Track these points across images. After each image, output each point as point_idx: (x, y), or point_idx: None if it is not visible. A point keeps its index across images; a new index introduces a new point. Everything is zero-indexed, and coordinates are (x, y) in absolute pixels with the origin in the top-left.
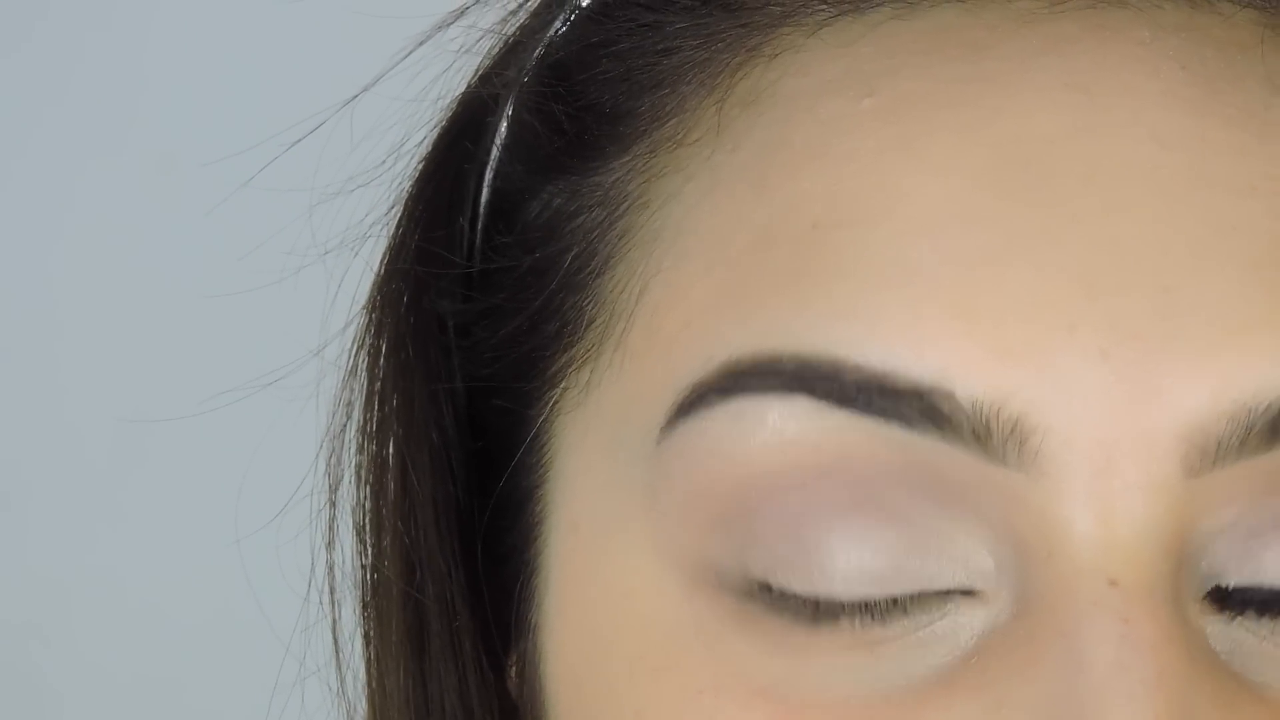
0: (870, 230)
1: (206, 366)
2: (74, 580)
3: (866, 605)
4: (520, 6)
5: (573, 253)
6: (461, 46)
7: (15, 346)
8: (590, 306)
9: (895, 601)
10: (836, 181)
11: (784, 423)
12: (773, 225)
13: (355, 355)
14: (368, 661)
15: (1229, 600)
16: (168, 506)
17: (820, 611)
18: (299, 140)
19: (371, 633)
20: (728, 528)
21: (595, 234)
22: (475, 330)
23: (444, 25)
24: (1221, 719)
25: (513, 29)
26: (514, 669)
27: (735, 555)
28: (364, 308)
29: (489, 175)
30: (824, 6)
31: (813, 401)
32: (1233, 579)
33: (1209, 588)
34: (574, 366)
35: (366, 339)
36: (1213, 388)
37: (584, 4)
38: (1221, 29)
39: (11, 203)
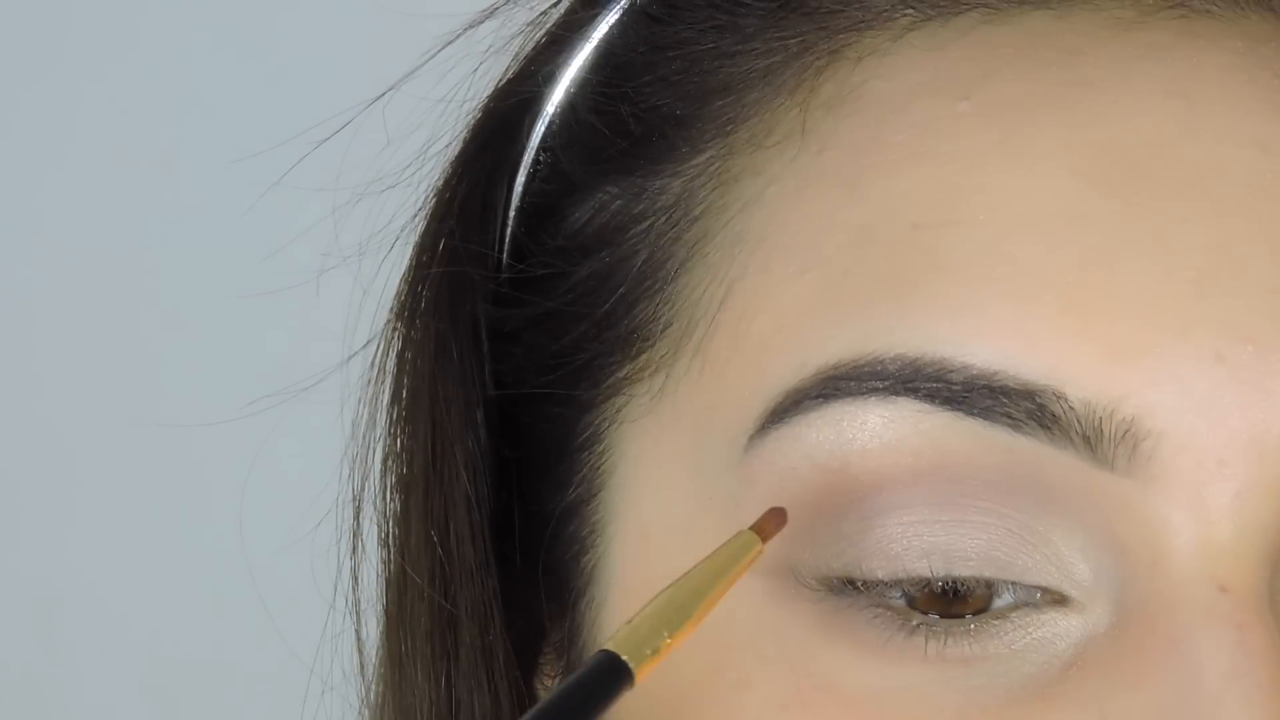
0: (974, 230)
1: (233, 371)
2: (87, 588)
3: (952, 603)
4: (552, 7)
5: (641, 257)
6: (491, 47)
7: (37, 349)
8: (667, 311)
9: (988, 612)
10: (936, 182)
11: (885, 427)
12: (870, 226)
13: (383, 360)
14: (393, 674)
15: None
16: (193, 512)
17: (911, 617)
18: (327, 139)
19: (398, 644)
20: (814, 532)
21: (666, 238)
22: (527, 336)
23: (474, 24)
24: None
25: (545, 30)
26: (555, 680)
27: (816, 555)
28: (394, 310)
29: (525, 175)
30: (910, 11)
31: (916, 403)
32: None
33: None
34: (645, 374)
35: (397, 342)
36: None
37: (626, 3)
38: None
39: (32, 201)
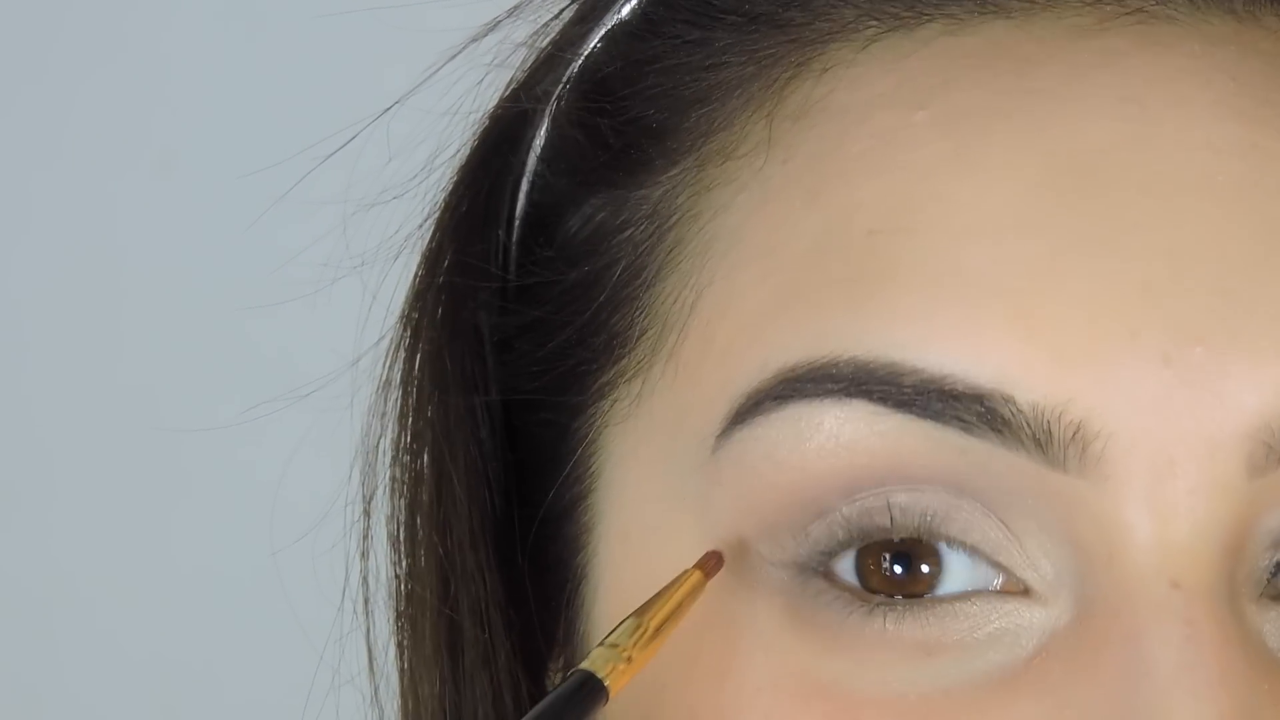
0: (927, 237)
1: (244, 377)
2: (104, 588)
3: (905, 583)
4: (553, 20)
5: (621, 265)
6: (494, 59)
7: (55, 357)
8: (642, 318)
9: (946, 595)
10: (892, 191)
11: (840, 427)
12: (828, 233)
13: (391, 367)
14: (401, 670)
15: None
16: (205, 516)
17: (869, 599)
18: (334, 153)
19: (405, 642)
20: (781, 532)
21: (644, 246)
22: (518, 344)
23: (477, 38)
24: None
25: (545, 42)
26: (558, 676)
27: (789, 555)
28: (400, 319)
29: (525, 188)
30: (874, 23)
31: (869, 405)
32: None
33: (1266, 583)
34: (624, 379)
35: (403, 350)
36: (1275, 386)
37: (621, 17)
38: (1269, 42)
39: (53, 213)
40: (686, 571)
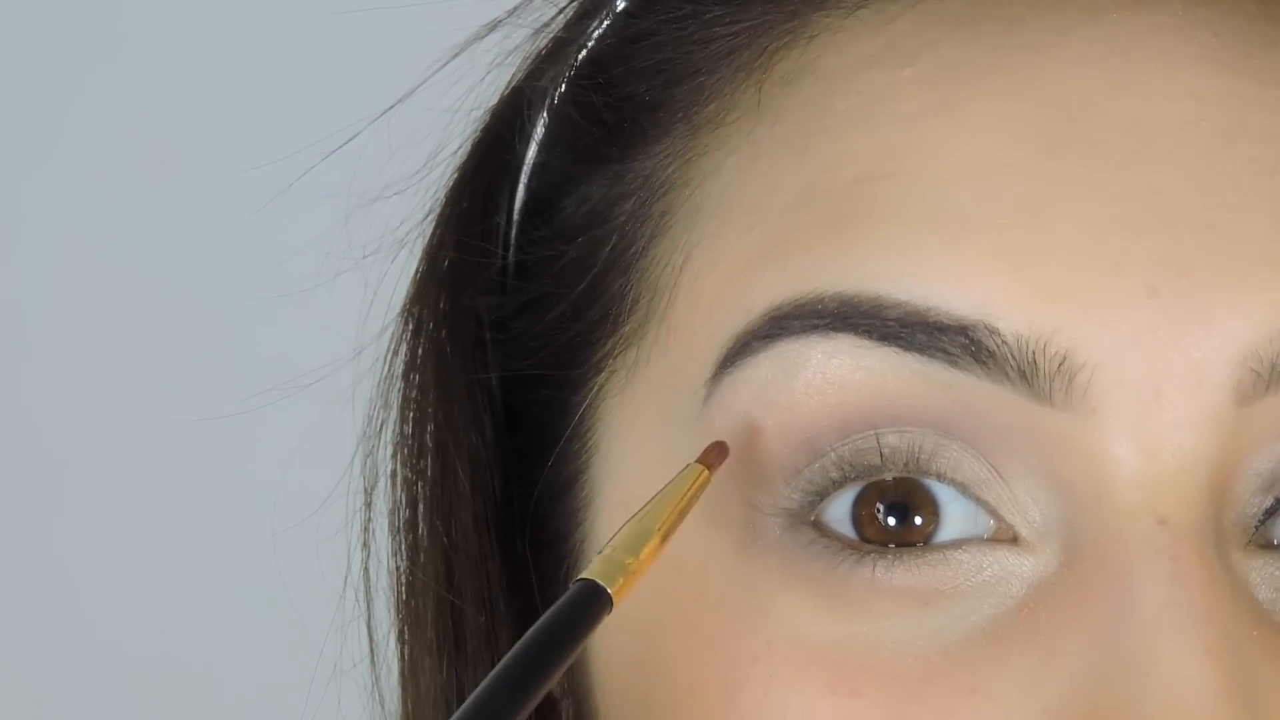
0: (912, 181)
1: (247, 369)
2: (105, 580)
3: (902, 532)
4: (552, 20)
5: (615, 237)
6: (494, 58)
7: (60, 347)
8: (634, 288)
9: (937, 544)
10: (877, 141)
11: (826, 362)
12: (814, 183)
13: (392, 358)
14: (402, 659)
15: (1274, 541)
16: (207, 508)
17: (861, 548)
18: (336, 149)
19: (407, 631)
20: (774, 477)
21: (635, 218)
22: (516, 323)
23: (478, 38)
24: (1266, 664)
25: (545, 41)
26: None
27: (782, 501)
28: (402, 312)
29: (524, 176)
30: None
31: (854, 339)
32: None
33: (1254, 530)
34: (620, 349)
35: (405, 343)
36: (1263, 315)
37: (618, 9)
38: (1252, 3)
39: (54, 212)
40: (689, 467)
